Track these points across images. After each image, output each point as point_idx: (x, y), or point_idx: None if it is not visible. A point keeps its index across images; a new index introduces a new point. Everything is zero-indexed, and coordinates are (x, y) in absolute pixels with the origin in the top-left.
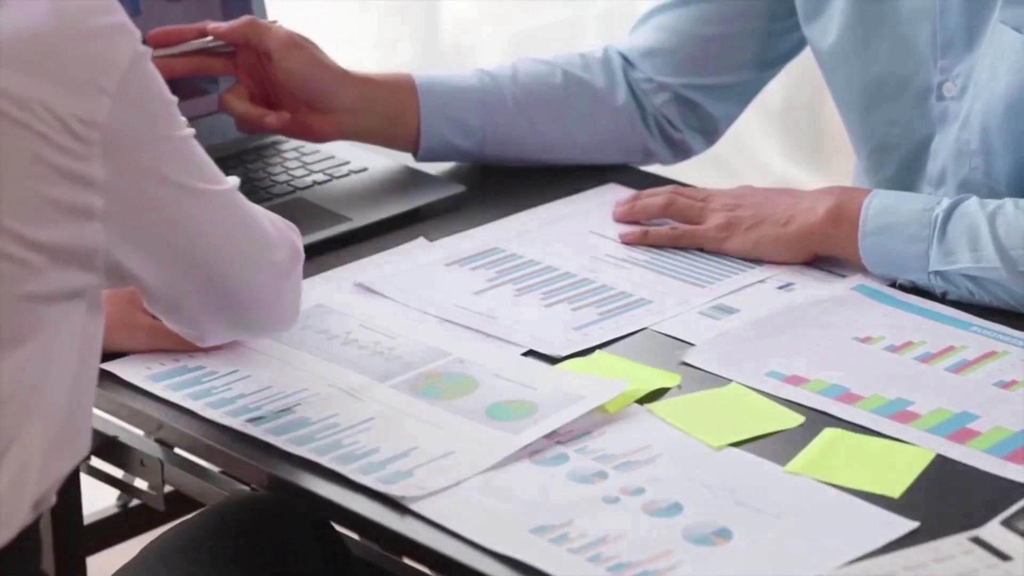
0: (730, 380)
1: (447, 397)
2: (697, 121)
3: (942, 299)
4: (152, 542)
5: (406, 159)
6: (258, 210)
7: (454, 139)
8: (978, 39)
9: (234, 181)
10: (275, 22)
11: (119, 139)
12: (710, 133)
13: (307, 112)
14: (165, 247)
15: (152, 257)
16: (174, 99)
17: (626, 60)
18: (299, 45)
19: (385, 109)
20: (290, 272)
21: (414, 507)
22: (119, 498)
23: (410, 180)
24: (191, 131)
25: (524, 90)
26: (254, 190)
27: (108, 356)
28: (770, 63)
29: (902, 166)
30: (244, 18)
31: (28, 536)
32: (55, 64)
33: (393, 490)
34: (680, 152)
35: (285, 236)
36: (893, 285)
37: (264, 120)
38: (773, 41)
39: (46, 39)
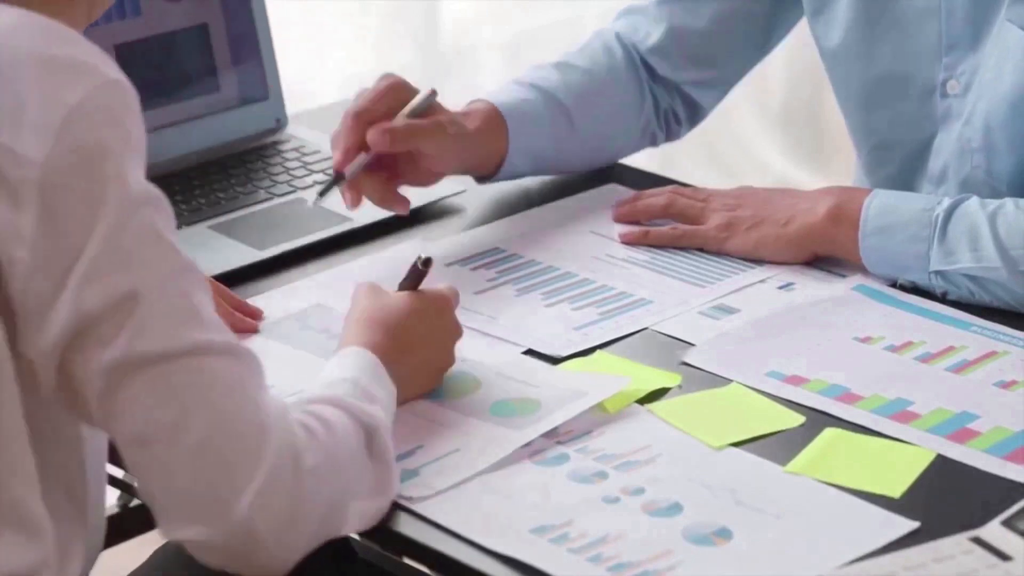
0: (730, 380)
1: (450, 396)
2: (688, 112)
3: (942, 299)
4: (164, 546)
5: None
6: (259, 391)
7: (522, 167)
8: (984, 37)
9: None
10: (433, 95)
11: (55, 186)
12: (697, 120)
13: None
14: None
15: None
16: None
17: (641, 57)
18: (448, 134)
19: (482, 152)
20: (287, 484)
21: (414, 507)
22: (119, 498)
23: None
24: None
25: (581, 113)
26: (255, 190)
27: None
28: (769, 48)
29: (903, 163)
30: (403, 127)
31: None
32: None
33: (401, 491)
34: (668, 137)
35: (286, 431)
36: (893, 285)
37: (396, 207)
38: (772, 28)
39: None
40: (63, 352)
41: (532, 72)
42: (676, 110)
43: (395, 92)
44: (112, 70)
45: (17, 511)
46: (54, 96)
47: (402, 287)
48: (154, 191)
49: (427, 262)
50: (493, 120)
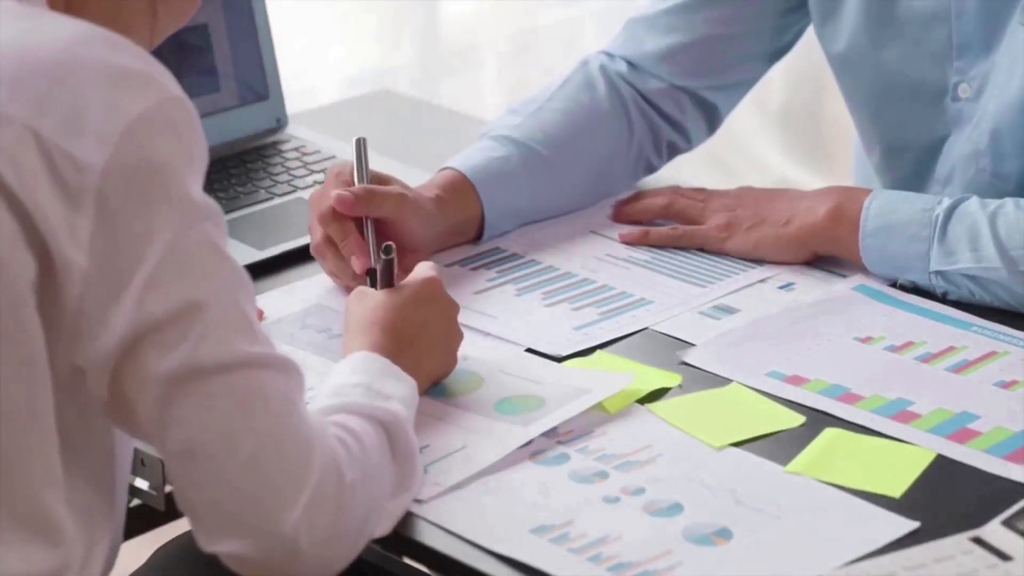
0: (730, 380)
1: (453, 394)
2: (706, 124)
3: (943, 299)
4: (164, 546)
5: (405, 163)
6: (303, 405)
7: (507, 226)
8: (996, 41)
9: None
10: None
11: (113, 194)
12: (716, 124)
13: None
14: (155, 349)
15: (141, 356)
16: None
17: (635, 69)
18: (409, 202)
19: (450, 221)
20: (331, 501)
21: (415, 508)
22: None
23: (410, 181)
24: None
25: (562, 161)
26: (255, 190)
27: None
28: (779, 53)
29: (915, 166)
30: (360, 190)
31: None
32: (58, 95)
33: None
34: (671, 156)
35: (329, 447)
36: (894, 285)
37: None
38: (782, 33)
39: (56, 68)
40: (118, 359)
41: (506, 119)
42: (684, 127)
43: (338, 174)
44: (175, 87)
45: (41, 517)
46: (117, 105)
47: (382, 287)
48: (213, 205)
49: (388, 249)
50: (457, 186)
